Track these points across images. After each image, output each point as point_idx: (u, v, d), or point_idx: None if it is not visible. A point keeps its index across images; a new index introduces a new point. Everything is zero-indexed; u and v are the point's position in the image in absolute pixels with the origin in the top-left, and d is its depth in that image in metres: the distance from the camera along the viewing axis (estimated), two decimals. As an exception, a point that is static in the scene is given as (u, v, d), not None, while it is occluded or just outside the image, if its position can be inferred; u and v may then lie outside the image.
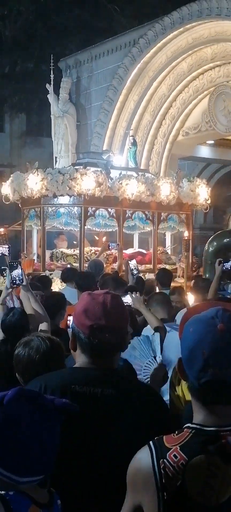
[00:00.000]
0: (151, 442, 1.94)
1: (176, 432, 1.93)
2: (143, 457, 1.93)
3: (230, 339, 1.86)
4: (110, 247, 11.09)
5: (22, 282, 5.33)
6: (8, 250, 5.78)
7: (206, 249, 11.54)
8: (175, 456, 1.87)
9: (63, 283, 9.33)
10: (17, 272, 5.34)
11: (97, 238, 13.08)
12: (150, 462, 1.89)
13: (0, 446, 1.84)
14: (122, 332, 2.55)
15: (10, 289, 5.47)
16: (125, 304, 6.04)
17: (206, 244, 11.64)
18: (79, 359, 2.57)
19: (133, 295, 5.59)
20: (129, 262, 8.38)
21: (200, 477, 1.84)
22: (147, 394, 2.60)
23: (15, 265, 5.36)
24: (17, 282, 5.34)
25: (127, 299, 5.83)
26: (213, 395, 1.88)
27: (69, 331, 3.20)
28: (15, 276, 5.32)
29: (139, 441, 2.36)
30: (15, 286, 5.42)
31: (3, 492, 1.86)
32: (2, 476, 1.86)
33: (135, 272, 8.17)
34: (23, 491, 1.89)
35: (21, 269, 5.39)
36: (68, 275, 8.90)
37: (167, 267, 11.45)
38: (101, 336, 2.49)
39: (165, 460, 1.87)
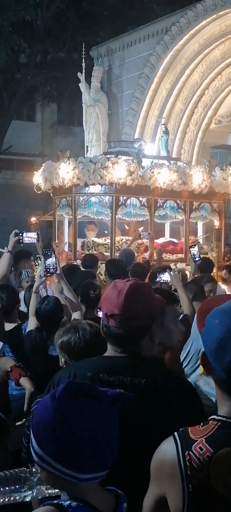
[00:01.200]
0: (176, 434, 1.95)
1: (201, 424, 1.93)
2: (168, 449, 1.93)
3: None
4: (141, 236, 11.08)
5: (56, 270, 5.37)
6: (37, 238, 5.81)
7: None
8: (201, 449, 1.86)
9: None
10: (51, 260, 5.37)
11: (127, 227, 13.07)
12: (175, 454, 1.89)
13: (57, 443, 1.77)
14: (140, 320, 2.50)
15: (44, 278, 5.52)
16: (163, 281, 6.09)
17: None
18: (108, 347, 2.59)
19: (171, 272, 5.60)
20: (191, 248, 8.34)
21: (225, 470, 1.84)
22: (178, 384, 2.58)
23: (49, 253, 5.40)
24: (51, 270, 5.37)
25: (166, 277, 5.85)
26: None
27: None
28: (49, 264, 5.36)
29: (169, 432, 2.37)
30: (49, 274, 5.46)
31: (67, 503, 1.79)
32: (63, 475, 1.79)
33: (197, 259, 8.12)
34: (86, 500, 1.81)
35: (55, 257, 5.42)
36: (90, 262, 9.00)
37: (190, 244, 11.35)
38: (115, 324, 2.49)
39: (190, 452, 1.87)
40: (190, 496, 1.85)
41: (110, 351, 2.56)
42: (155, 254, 10.52)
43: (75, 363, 2.70)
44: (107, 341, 2.59)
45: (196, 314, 5.21)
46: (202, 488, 1.84)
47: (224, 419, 1.90)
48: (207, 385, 3.88)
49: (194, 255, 8.10)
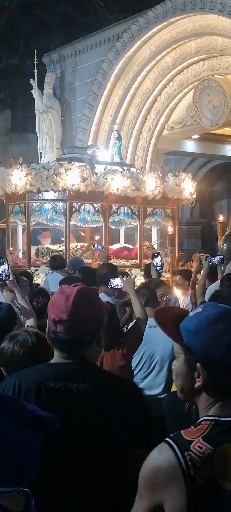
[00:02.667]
0: (167, 438, 1.89)
1: (192, 427, 1.91)
2: (162, 455, 1.87)
3: None
4: (95, 247, 10.93)
5: (9, 277, 5.27)
6: (7, 271, 5.67)
7: (220, 247, 11.26)
8: (200, 447, 1.84)
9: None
10: (3, 267, 5.27)
11: (83, 234, 12.99)
12: (174, 457, 1.84)
13: None
14: (88, 326, 2.47)
15: None
16: (115, 286, 6.04)
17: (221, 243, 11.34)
18: (54, 354, 2.53)
19: (123, 278, 5.54)
20: (154, 258, 8.30)
21: (229, 465, 1.84)
22: (126, 390, 2.55)
23: (1, 260, 5.29)
24: (4, 277, 5.27)
25: (117, 282, 5.79)
26: None
27: None
28: (1, 272, 5.25)
29: (117, 437, 2.32)
30: (1, 281, 5.36)
31: None
32: None
33: (158, 268, 8.11)
34: None
35: (8, 264, 5.31)
36: (60, 263, 9.05)
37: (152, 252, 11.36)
38: (63, 329, 2.44)
39: (190, 452, 1.84)
40: (195, 496, 1.82)
41: (57, 357, 2.51)
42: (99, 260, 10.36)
43: (20, 371, 2.61)
44: (54, 348, 2.53)
45: (157, 322, 5.16)
46: (206, 486, 1.82)
47: (215, 418, 1.91)
48: None
49: (156, 263, 8.07)
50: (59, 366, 2.47)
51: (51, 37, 21.71)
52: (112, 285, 6.18)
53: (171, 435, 1.91)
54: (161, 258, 8.56)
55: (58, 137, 17.10)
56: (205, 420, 1.92)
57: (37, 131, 16.67)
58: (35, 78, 15.85)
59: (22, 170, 10.96)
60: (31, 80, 16.13)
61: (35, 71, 15.65)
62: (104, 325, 2.60)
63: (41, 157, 16.07)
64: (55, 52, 18.68)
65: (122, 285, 5.61)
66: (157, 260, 8.11)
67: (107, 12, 21.04)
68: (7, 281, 5.35)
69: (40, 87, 16.71)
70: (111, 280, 6.19)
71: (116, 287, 6.09)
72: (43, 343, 3.26)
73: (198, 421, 1.93)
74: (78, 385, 2.41)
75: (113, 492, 2.39)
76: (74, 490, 2.37)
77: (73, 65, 17.89)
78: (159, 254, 8.59)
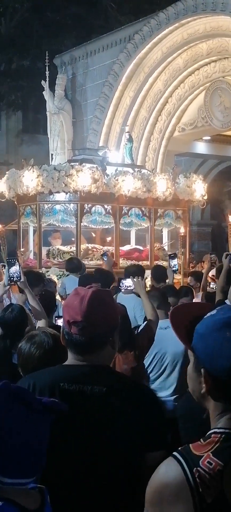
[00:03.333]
0: (175, 453, 1.79)
1: (202, 440, 1.81)
2: (170, 470, 1.77)
3: None
4: (103, 257, 10.73)
5: (20, 279, 5.28)
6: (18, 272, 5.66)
7: None
8: (209, 463, 1.74)
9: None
10: (15, 269, 5.28)
11: (94, 235, 13.00)
12: (181, 473, 1.74)
13: None
14: (103, 328, 2.47)
15: (8, 287, 5.43)
16: (126, 287, 6.03)
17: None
18: (68, 356, 2.53)
19: (134, 279, 5.53)
20: (170, 259, 8.26)
21: None
22: (140, 392, 2.54)
23: (12, 261, 5.31)
24: (15, 279, 5.28)
25: (129, 283, 5.79)
26: None
27: None
28: (13, 273, 5.26)
29: (131, 439, 2.31)
30: (13, 283, 5.36)
31: None
32: None
33: (174, 269, 8.08)
34: (10, 498, 1.78)
35: (19, 265, 5.32)
36: (76, 266, 9.13)
37: (164, 263, 11.36)
38: (78, 331, 2.43)
39: (198, 468, 1.73)
40: None
41: (71, 359, 2.51)
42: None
43: (34, 373, 2.62)
44: (68, 349, 2.52)
45: (171, 323, 5.11)
46: (216, 504, 1.71)
47: (226, 430, 1.80)
48: None
49: (174, 265, 8.05)
50: (73, 368, 2.47)
51: (62, 39, 21.75)
52: (124, 285, 6.18)
53: (180, 448, 1.83)
54: (176, 261, 8.52)
55: (69, 138, 17.11)
56: (215, 433, 1.82)
57: (49, 132, 16.70)
58: (47, 79, 15.88)
59: (33, 171, 10.98)
60: (42, 82, 16.16)
61: (47, 72, 15.68)
62: (118, 327, 2.58)
63: (52, 158, 16.08)
64: (66, 54, 18.70)
65: (133, 286, 5.61)
66: (174, 261, 8.08)
67: (119, 14, 21.07)
68: (18, 283, 5.36)
69: (52, 88, 16.74)
70: (123, 281, 6.20)
71: (127, 288, 6.09)
72: (60, 345, 3.30)
73: (208, 433, 1.84)
74: (93, 387, 2.40)
75: (126, 494, 2.39)
76: (87, 492, 2.37)
77: (84, 66, 17.90)
78: (175, 255, 8.57)
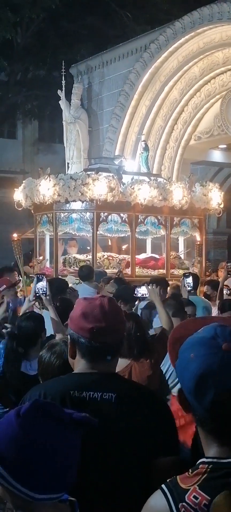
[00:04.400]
0: (163, 486, 1.73)
1: (190, 471, 1.73)
2: (157, 504, 1.72)
3: None
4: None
5: (46, 294, 5.40)
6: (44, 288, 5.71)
7: None
8: (195, 497, 1.65)
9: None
10: (41, 284, 5.45)
11: (110, 243, 13.03)
12: (167, 509, 1.68)
13: (16, 460, 1.74)
14: (120, 334, 2.58)
15: (33, 302, 5.52)
16: (141, 295, 6.04)
17: None
18: (78, 365, 2.56)
19: (149, 286, 5.53)
20: (185, 277, 8.06)
21: None
22: (149, 398, 2.57)
23: (41, 278, 5.50)
24: (40, 293, 5.40)
25: (143, 291, 5.79)
26: (229, 425, 1.68)
27: None
28: (38, 288, 5.40)
29: (141, 446, 2.33)
30: (38, 298, 5.53)
31: None
32: (18, 492, 1.75)
33: (189, 288, 7.74)
34: None
35: (46, 282, 5.44)
36: (88, 273, 9.11)
37: (180, 271, 11.36)
38: (102, 338, 2.48)
39: (184, 503, 1.65)
40: None
41: (81, 368, 2.54)
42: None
43: (45, 382, 2.67)
44: (81, 358, 2.55)
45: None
46: None
47: (214, 460, 1.70)
48: None
49: (188, 283, 7.72)
50: (84, 375, 2.51)
51: (78, 49, 21.87)
52: (139, 294, 6.21)
53: (168, 481, 1.75)
54: (191, 280, 8.00)
55: (85, 147, 17.18)
56: (203, 463, 1.71)
57: (65, 141, 16.78)
58: (63, 89, 15.95)
59: (50, 180, 11.03)
60: (59, 91, 16.24)
61: (63, 82, 15.76)
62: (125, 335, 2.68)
63: (68, 167, 16.16)
64: (82, 63, 18.80)
65: (148, 294, 5.62)
66: (189, 280, 7.78)
67: (135, 23, 21.14)
68: (43, 298, 5.47)
69: (68, 98, 16.82)
70: (137, 289, 6.22)
71: (142, 296, 6.11)
72: None
73: (197, 462, 1.73)
74: (103, 394, 2.43)
75: (137, 500, 2.40)
76: (99, 499, 2.38)
77: (100, 76, 17.98)
78: (190, 274, 8.22)
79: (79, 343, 2.53)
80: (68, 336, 2.63)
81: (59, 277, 9.81)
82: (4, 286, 7.28)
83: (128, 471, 2.38)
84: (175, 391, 5.52)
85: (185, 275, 7.98)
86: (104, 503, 2.38)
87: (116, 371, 4.48)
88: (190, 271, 10.42)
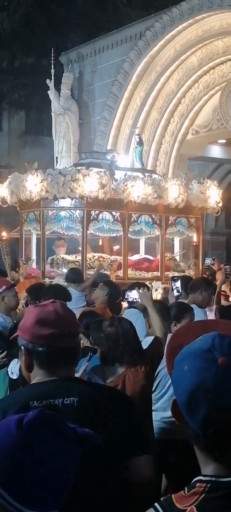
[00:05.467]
0: (157, 504, 1.68)
1: (186, 489, 1.66)
2: None
3: None
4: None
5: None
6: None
7: None
8: None
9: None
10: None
11: (101, 243, 13.06)
12: None
13: (11, 469, 1.71)
14: (77, 338, 2.67)
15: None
16: (132, 299, 6.04)
17: None
18: (37, 375, 2.61)
19: (140, 290, 5.53)
20: (173, 281, 7.97)
21: None
22: (115, 398, 2.64)
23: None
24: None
25: (134, 295, 5.80)
26: (223, 443, 1.65)
27: None
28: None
29: (109, 449, 2.40)
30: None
31: None
32: (5, 503, 1.72)
33: (176, 293, 7.67)
34: None
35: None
36: (75, 277, 9.12)
37: (176, 274, 11.41)
38: (60, 344, 2.56)
39: None
40: None
41: (40, 377, 2.60)
42: None
43: (6, 396, 2.74)
44: (37, 368, 2.61)
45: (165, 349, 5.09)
46: None
47: (213, 479, 1.65)
48: None
49: (177, 287, 7.68)
50: (43, 384, 2.57)
51: (69, 35, 21.92)
52: (130, 298, 6.22)
53: (162, 499, 1.70)
54: (180, 284, 7.91)
55: (75, 141, 17.20)
56: (200, 481, 1.66)
57: (53, 134, 16.79)
58: (52, 78, 15.95)
59: (37, 175, 11.03)
60: (47, 80, 16.25)
61: (52, 70, 15.75)
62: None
63: (57, 162, 16.16)
64: (73, 51, 18.83)
65: (139, 297, 5.61)
66: (177, 284, 7.72)
67: (129, 8, 21.21)
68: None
69: (57, 87, 16.82)
70: (128, 293, 6.23)
71: (133, 300, 6.12)
72: None
73: (193, 480, 1.67)
74: (64, 399, 2.48)
75: (114, 502, 2.46)
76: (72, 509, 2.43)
77: (92, 64, 18.01)
78: (179, 277, 8.17)
79: (36, 353, 2.58)
80: (22, 348, 2.65)
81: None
82: (4, 287, 7.33)
83: (98, 476, 2.41)
84: (159, 405, 5.54)
85: (173, 279, 7.96)
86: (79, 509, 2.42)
87: (110, 380, 4.54)
88: (181, 274, 10.45)
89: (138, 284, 6.36)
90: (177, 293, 7.61)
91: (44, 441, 1.74)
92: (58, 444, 1.76)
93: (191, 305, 6.58)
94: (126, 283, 9.98)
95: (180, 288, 7.66)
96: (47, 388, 2.53)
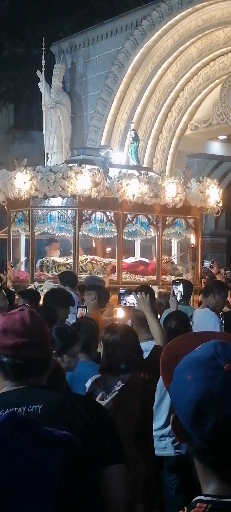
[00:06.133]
0: None
1: (186, 509, 1.66)
2: None
3: None
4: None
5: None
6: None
7: None
8: None
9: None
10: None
11: (94, 245, 13.03)
12: None
13: None
14: (46, 347, 2.67)
15: None
16: (129, 305, 6.00)
17: None
18: (3, 386, 2.62)
19: (137, 295, 5.48)
20: (175, 284, 7.96)
21: None
22: (82, 404, 2.63)
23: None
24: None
25: (132, 300, 5.77)
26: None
27: None
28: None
29: (79, 457, 2.37)
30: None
31: None
32: None
33: (179, 298, 7.66)
34: None
35: None
36: (69, 279, 9.10)
37: (173, 278, 11.38)
38: (26, 353, 2.58)
39: None
40: None
41: (6, 387, 2.61)
42: None
43: None
44: (3, 378, 2.62)
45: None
46: None
47: (214, 499, 1.64)
48: None
49: (180, 291, 7.70)
50: (8, 394, 2.58)
51: (61, 24, 21.87)
52: (127, 303, 6.18)
53: None
54: (184, 286, 8.03)
55: (67, 136, 17.19)
56: (200, 501, 1.65)
57: (44, 129, 16.78)
58: (43, 69, 15.96)
59: (26, 173, 11.03)
60: (38, 72, 16.24)
61: (43, 61, 15.76)
62: None
63: (47, 158, 16.17)
64: (65, 41, 18.81)
65: (136, 303, 5.58)
66: (180, 287, 7.76)
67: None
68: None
69: (48, 79, 16.83)
70: (125, 298, 6.19)
71: (130, 305, 6.09)
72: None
73: (194, 499, 1.67)
74: (28, 407, 2.49)
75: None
76: None
77: (85, 55, 18.00)
78: (181, 281, 8.23)
79: (1, 363, 2.61)
80: None
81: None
82: None
83: (69, 489, 2.36)
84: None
85: (175, 282, 7.98)
86: None
87: (112, 390, 4.51)
88: (181, 278, 10.42)
89: (143, 288, 6.30)
90: (180, 297, 7.65)
91: (18, 444, 1.75)
92: (34, 446, 1.76)
93: (203, 309, 6.55)
94: (120, 287, 9.94)
95: (182, 292, 7.71)
96: (12, 397, 2.55)
